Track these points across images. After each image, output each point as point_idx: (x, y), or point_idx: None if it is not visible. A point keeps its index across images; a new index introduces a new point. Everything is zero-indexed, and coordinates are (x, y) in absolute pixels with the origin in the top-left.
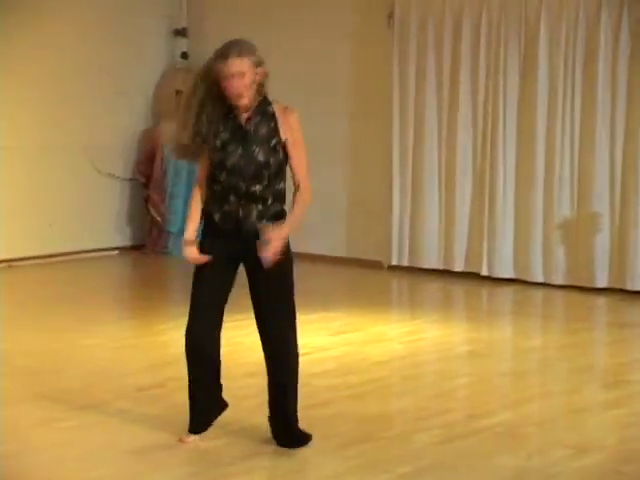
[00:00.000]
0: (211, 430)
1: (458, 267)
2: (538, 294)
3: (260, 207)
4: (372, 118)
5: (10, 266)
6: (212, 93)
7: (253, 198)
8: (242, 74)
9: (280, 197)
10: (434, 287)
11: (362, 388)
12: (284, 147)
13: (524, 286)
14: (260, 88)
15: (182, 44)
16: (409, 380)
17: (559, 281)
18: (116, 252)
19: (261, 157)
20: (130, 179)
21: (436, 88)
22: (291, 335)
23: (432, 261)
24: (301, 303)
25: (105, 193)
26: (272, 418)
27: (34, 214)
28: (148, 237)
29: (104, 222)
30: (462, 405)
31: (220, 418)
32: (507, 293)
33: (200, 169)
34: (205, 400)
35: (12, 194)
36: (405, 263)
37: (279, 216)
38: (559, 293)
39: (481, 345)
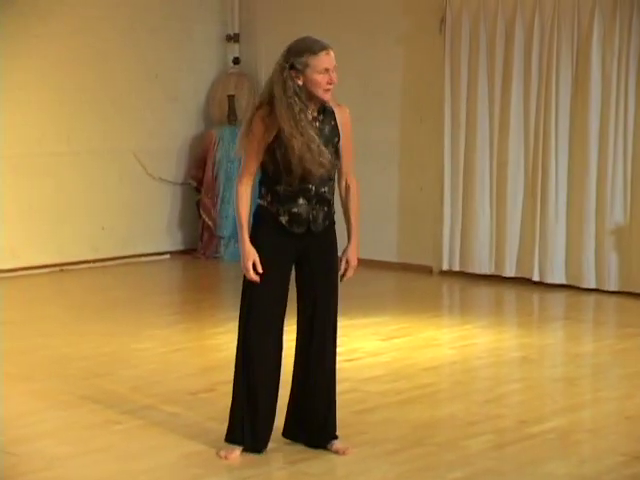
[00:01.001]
0: None
1: (509, 272)
2: (590, 300)
3: (326, 209)
4: (423, 122)
5: (62, 270)
6: (297, 91)
7: (322, 200)
8: (336, 68)
9: (334, 197)
10: (485, 292)
11: (412, 393)
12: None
13: (576, 292)
14: None
15: (234, 49)
16: (460, 386)
17: (611, 287)
18: (168, 256)
19: (329, 157)
20: (182, 183)
21: (488, 92)
22: (335, 335)
23: (483, 266)
24: (351, 308)
25: (157, 197)
26: (308, 419)
27: (86, 218)
28: (199, 241)
29: (156, 226)
30: (513, 411)
31: None
32: (559, 299)
33: (252, 163)
34: (270, 414)
35: (64, 199)
36: (456, 268)
37: (333, 217)
38: (611, 299)
39: (533, 351)
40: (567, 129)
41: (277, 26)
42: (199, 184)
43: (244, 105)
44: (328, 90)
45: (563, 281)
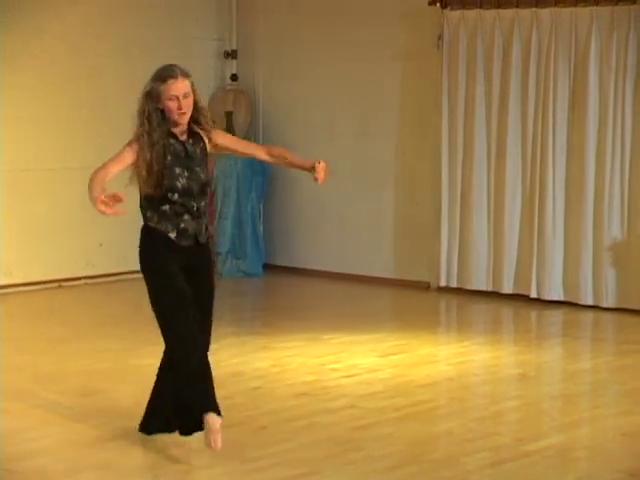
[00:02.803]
0: (259, 450)
1: (507, 289)
2: (588, 317)
3: (205, 221)
4: (421, 139)
5: (60, 286)
6: (157, 117)
7: (201, 214)
8: (188, 94)
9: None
10: (483, 309)
11: (410, 410)
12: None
13: (574, 308)
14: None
15: (232, 66)
16: (457, 402)
17: (609, 304)
18: None
19: (202, 176)
20: None
21: (485, 108)
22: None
23: (481, 283)
24: (349, 324)
25: None
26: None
27: (83, 235)
28: None
29: None
30: (511, 428)
31: (269, 439)
32: (556, 315)
33: (116, 165)
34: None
35: (61, 215)
36: (454, 284)
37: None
38: (609, 316)
39: (530, 368)
40: (564, 145)
41: (275, 43)
42: None
43: (242, 122)
44: (182, 114)
45: (561, 298)
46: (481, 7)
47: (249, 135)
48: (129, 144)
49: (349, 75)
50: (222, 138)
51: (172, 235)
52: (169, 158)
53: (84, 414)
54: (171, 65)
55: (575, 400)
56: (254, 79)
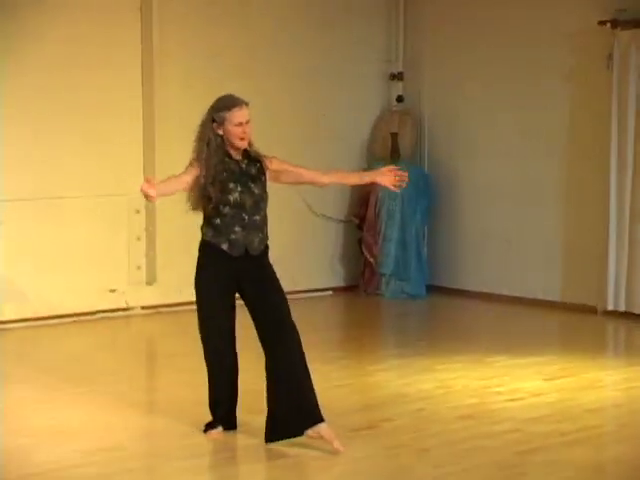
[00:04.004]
0: (422, 472)
1: None
2: None
3: (260, 235)
4: (589, 160)
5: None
6: (217, 142)
7: (255, 227)
8: (249, 121)
9: (267, 227)
10: None
11: (576, 435)
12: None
13: None
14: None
15: (398, 88)
16: (625, 429)
17: None
18: (330, 292)
19: (257, 191)
20: (344, 221)
21: None
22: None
23: None
24: (513, 347)
25: (320, 234)
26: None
27: None
28: (361, 278)
29: (319, 263)
30: None
31: (432, 461)
32: None
33: (187, 175)
34: (229, 399)
35: None
36: (621, 308)
37: (266, 243)
38: None
39: None
40: None
41: (440, 65)
42: (361, 221)
43: (407, 143)
44: (244, 139)
45: None
46: None
47: (414, 156)
48: (191, 164)
49: (515, 96)
50: (277, 164)
51: (224, 246)
52: (224, 175)
53: (244, 431)
54: (231, 95)
55: None
56: (420, 100)
